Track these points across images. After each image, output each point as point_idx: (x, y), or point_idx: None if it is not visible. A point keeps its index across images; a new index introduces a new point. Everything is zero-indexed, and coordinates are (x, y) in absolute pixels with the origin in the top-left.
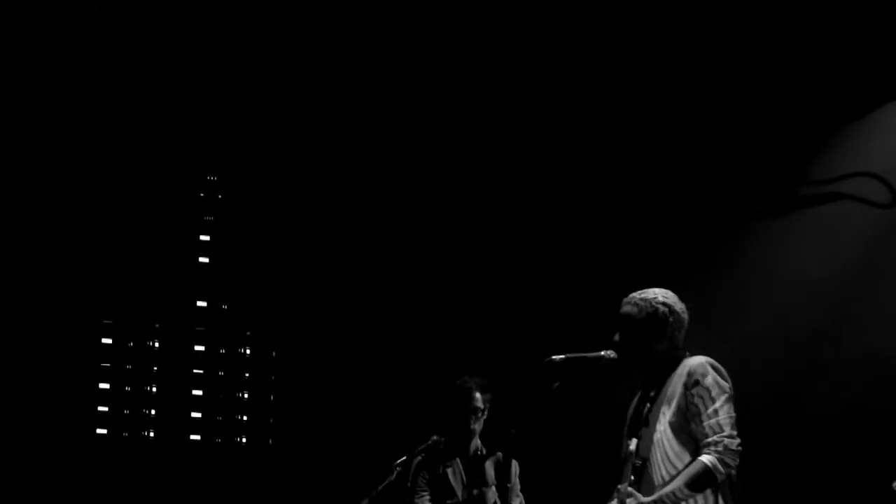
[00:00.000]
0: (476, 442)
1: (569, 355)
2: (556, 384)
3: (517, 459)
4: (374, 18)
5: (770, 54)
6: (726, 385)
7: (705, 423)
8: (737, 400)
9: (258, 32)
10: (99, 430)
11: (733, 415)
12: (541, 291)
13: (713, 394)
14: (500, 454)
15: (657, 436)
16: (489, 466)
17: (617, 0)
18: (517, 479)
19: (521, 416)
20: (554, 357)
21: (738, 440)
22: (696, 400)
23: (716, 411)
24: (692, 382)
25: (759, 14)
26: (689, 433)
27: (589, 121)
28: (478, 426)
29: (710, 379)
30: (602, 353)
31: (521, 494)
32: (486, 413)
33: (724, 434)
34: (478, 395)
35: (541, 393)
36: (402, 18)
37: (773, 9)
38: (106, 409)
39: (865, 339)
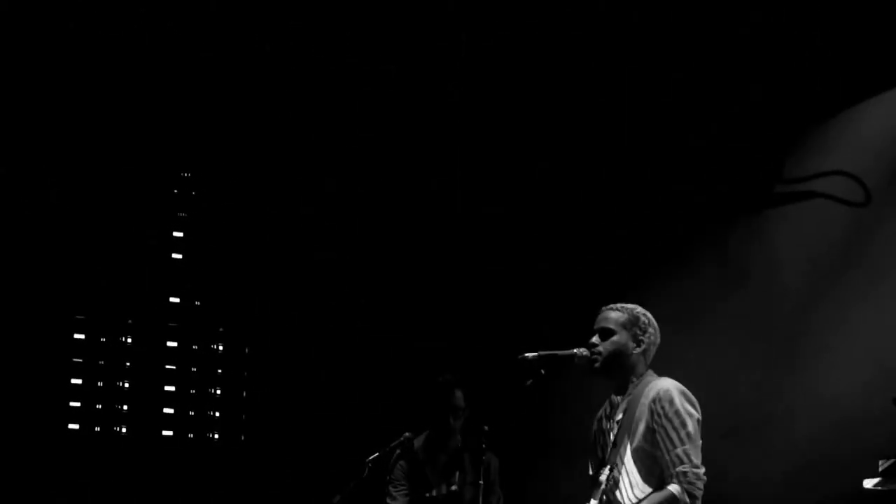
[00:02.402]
0: (456, 438)
1: (542, 353)
2: (530, 381)
3: (496, 455)
4: (352, 14)
5: (745, 53)
6: (694, 412)
7: (672, 452)
8: (704, 417)
9: (232, 29)
10: (71, 426)
11: (700, 443)
12: (515, 289)
13: (681, 422)
14: (476, 449)
15: (626, 459)
16: (468, 463)
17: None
18: (496, 476)
19: (494, 412)
20: (527, 354)
21: (703, 470)
22: (664, 427)
23: (682, 440)
24: (660, 409)
25: (732, 12)
26: (656, 459)
27: (564, 120)
28: (458, 424)
29: (678, 406)
30: (575, 350)
31: (499, 491)
32: (466, 411)
33: (690, 465)
34: (459, 393)
35: (514, 390)
36: (383, 14)
37: (747, 7)
38: (78, 404)
39: (839, 338)
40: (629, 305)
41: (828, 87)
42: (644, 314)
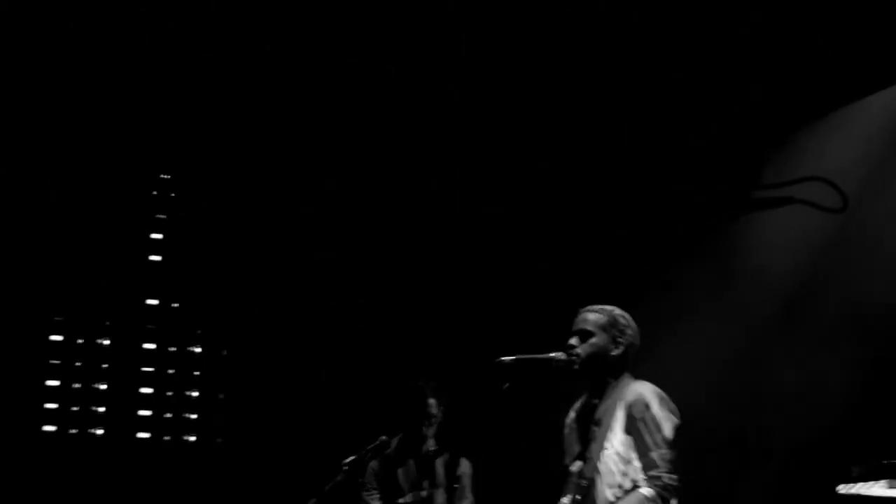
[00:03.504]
0: (428, 443)
1: (519, 357)
2: (507, 385)
3: (468, 460)
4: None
5: (723, 60)
6: (672, 417)
7: (647, 455)
8: (682, 421)
9: (210, 30)
10: (47, 427)
11: (675, 448)
12: (494, 292)
13: (656, 426)
14: (449, 454)
15: (603, 458)
16: (440, 467)
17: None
18: (468, 480)
19: (471, 416)
20: (504, 358)
21: (676, 476)
22: (641, 430)
23: (657, 444)
24: (638, 411)
25: (710, 18)
26: (631, 462)
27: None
28: (431, 430)
29: (655, 410)
30: (552, 354)
31: (471, 495)
32: (439, 417)
33: (663, 469)
34: (431, 400)
35: (491, 394)
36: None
37: (723, 12)
38: (54, 405)
39: (817, 343)
40: (608, 307)
41: (807, 94)
42: (622, 315)
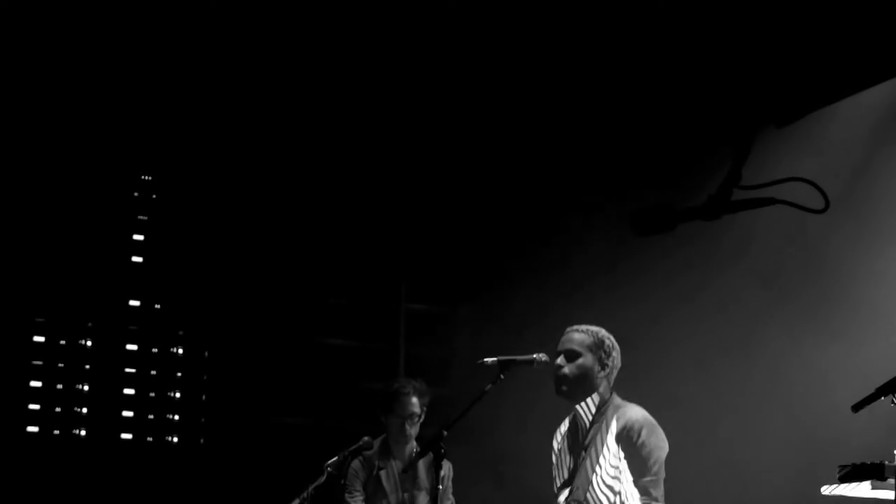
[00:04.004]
0: (411, 445)
1: (501, 358)
2: (489, 386)
3: (449, 461)
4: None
5: (703, 57)
6: (662, 445)
7: (637, 483)
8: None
9: (191, 32)
10: (30, 428)
11: (663, 476)
12: (475, 294)
13: (646, 454)
14: (432, 456)
15: (593, 483)
16: (422, 469)
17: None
18: (450, 483)
19: (453, 417)
20: (486, 359)
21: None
22: (629, 457)
23: (643, 472)
24: (627, 438)
25: (691, 15)
26: (620, 488)
27: (528, 118)
28: (414, 430)
29: (645, 438)
30: (534, 356)
31: (452, 497)
32: (422, 417)
33: (650, 498)
34: (415, 399)
35: (473, 395)
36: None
37: (704, 9)
38: (37, 406)
39: (797, 346)
40: (593, 328)
41: (788, 92)
42: (608, 337)
